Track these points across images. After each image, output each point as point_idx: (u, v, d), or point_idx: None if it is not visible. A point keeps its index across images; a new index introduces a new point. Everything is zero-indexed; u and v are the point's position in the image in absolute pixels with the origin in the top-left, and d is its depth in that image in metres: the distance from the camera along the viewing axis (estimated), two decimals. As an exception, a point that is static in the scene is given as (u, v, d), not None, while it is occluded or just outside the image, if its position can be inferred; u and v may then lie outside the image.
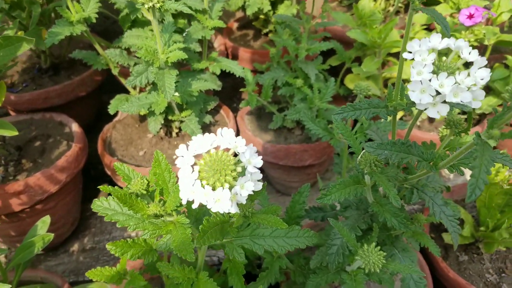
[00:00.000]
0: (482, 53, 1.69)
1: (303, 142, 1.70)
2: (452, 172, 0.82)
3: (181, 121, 1.49)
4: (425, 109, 0.71)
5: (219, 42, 2.05)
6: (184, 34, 1.40)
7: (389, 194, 0.84)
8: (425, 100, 0.69)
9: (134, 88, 1.59)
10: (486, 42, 1.63)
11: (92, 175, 1.97)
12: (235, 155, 0.76)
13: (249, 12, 1.74)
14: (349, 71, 1.77)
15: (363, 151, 0.90)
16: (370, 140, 1.09)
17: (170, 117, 1.48)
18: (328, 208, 1.44)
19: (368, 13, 1.65)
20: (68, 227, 1.71)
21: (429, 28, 1.88)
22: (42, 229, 1.19)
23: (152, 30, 1.45)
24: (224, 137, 0.77)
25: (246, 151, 0.75)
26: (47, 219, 1.20)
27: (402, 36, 1.72)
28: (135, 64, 1.46)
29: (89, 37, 1.40)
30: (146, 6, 1.00)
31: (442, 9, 1.57)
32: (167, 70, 1.19)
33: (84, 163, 1.63)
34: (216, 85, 1.54)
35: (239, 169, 0.74)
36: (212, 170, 0.72)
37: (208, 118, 1.61)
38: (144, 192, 1.07)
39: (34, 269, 1.57)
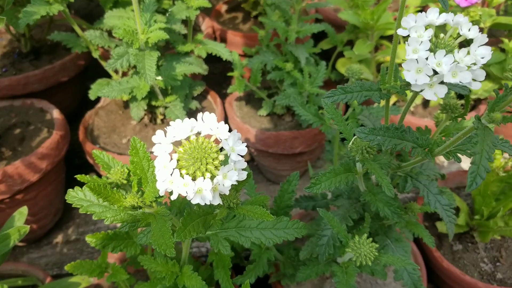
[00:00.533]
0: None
1: (294, 129, 1.64)
2: (448, 159, 0.78)
3: (166, 107, 1.42)
4: (421, 90, 0.66)
5: (206, 25, 1.98)
6: (167, 14, 1.33)
7: (382, 183, 0.79)
8: (421, 81, 0.63)
9: (116, 72, 1.52)
10: (482, 25, 1.58)
11: (76, 164, 1.91)
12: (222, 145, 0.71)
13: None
14: (341, 55, 1.71)
15: (355, 137, 0.85)
16: (362, 126, 1.04)
17: (153, 103, 1.41)
18: (319, 197, 1.39)
19: (360, -6, 1.58)
20: (51, 218, 1.65)
21: (423, 11, 1.82)
22: (19, 221, 1.13)
23: (134, 11, 1.38)
24: (206, 122, 0.71)
25: (229, 138, 0.69)
26: (24, 210, 1.14)
27: (396, 19, 1.66)
28: (116, 46, 1.39)
29: (68, 18, 1.33)
30: (123, -17, 0.93)
31: (438, -10, 1.51)
32: (148, 52, 1.12)
33: (65, 151, 1.57)
34: (202, 69, 1.47)
35: (221, 157, 0.69)
36: (192, 158, 0.66)
37: (194, 104, 1.55)
38: (125, 181, 1.02)
39: (15, 262, 1.52)
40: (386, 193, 0.84)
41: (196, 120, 0.71)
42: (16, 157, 1.49)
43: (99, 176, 1.68)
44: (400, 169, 0.94)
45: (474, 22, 1.48)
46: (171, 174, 0.66)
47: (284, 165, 1.78)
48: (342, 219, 1.03)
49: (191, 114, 1.56)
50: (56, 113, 1.63)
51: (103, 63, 1.47)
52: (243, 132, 1.65)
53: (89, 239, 1.04)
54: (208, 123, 0.70)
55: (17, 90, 1.70)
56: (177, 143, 0.70)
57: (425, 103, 1.76)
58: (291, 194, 1.11)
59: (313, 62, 1.59)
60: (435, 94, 0.65)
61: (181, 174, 0.66)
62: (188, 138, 0.69)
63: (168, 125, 1.57)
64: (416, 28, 0.65)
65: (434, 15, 0.67)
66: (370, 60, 1.62)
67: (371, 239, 0.88)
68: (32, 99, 1.71)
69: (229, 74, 1.58)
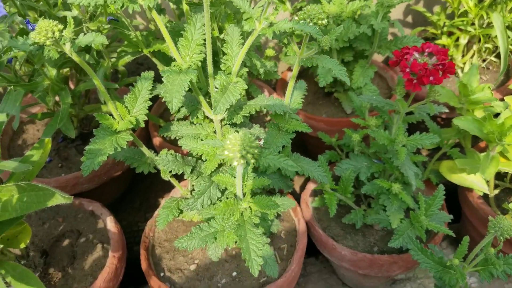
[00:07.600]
0: None
1: (387, 240, 1.37)
2: None
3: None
4: None
5: (275, 103, 1.72)
6: (261, 143, 1.07)
7: None
8: None
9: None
10: None
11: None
12: None
13: (321, 84, 1.40)
14: (445, 155, 1.44)
15: None
16: None
17: (234, 237, 1.17)
18: None
19: (476, 90, 1.31)
20: None
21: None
22: None
23: (213, 127, 1.13)
24: None
25: None
26: None
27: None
28: (193, 170, 1.14)
29: (136, 141, 1.09)
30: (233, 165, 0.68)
31: None
32: (247, 223, 0.87)
33: (123, 275, 1.34)
34: (289, 188, 1.22)
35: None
36: None
37: (275, 227, 1.30)
38: None
39: None
40: None
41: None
42: (66, 283, 1.27)
43: None
44: None
45: None
46: None
47: (370, 279, 1.52)
48: None
49: (272, 236, 1.31)
50: (110, 223, 1.40)
51: (173, 181, 1.22)
52: (326, 249, 1.39)
53: None
54: None
55: (65, 191, 1.47)
56: None
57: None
58: None
59: (420, 175, 1.31)
60: None
61: None
62: None
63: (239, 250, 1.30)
64: None
65: None
66: (485, 167, 1.34)
67: None
68: (81, 199, 1.48)
69: (316, 188, 1.32)
